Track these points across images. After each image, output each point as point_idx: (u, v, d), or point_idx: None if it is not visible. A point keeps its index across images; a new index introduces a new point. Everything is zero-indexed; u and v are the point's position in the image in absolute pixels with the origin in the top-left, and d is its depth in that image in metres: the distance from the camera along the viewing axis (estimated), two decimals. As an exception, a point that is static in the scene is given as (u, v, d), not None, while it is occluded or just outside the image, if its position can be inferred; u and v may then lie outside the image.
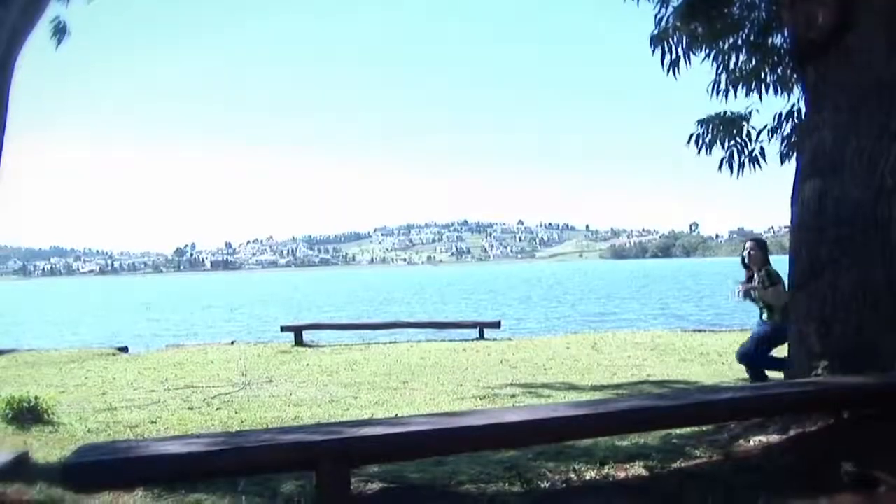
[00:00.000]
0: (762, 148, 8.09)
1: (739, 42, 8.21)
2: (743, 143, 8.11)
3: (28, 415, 7.46)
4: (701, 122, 8.18)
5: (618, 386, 9.67)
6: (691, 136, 8.19)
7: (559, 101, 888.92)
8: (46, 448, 6.40)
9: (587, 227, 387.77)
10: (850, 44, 5.51)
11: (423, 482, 4.90)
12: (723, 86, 8.35)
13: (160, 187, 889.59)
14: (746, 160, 8.07)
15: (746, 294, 8.02)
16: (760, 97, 8.26)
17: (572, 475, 5.01)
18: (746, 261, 8.19)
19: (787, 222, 6.31)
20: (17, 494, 4.79)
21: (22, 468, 4.77)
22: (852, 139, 5.45)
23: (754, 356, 7.95)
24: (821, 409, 5.30)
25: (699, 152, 8.20)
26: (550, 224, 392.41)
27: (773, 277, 7.82)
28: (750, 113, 8.18)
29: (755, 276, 8.00)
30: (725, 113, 8.20)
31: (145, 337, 28.53)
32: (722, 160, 8.14)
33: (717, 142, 8.13)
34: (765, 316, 7.99)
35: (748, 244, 8.34)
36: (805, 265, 5.65)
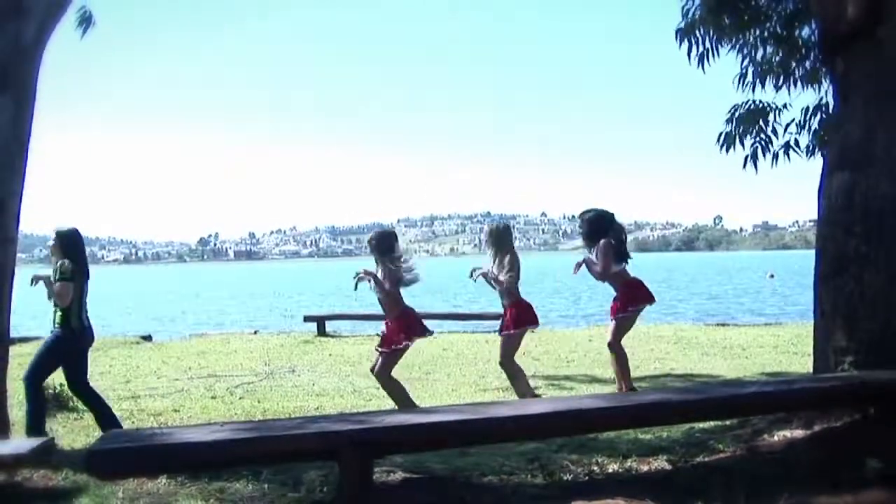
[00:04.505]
0: (796, 139, 8.03)
1: (766, 34, 8.14)
2: (768, 139, 8.04)
3: (53, 402, 7.53)
4: (729, 121, 8.12)
5: (641, 379, 9.62)
6: (720, 134, 8.13)
7: (583, 94, 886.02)
8: (71, 435, 6.46)
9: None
10: (880, 36, 5.44)
11: (446, 473, 4.91)
12: (749, 78, 8.30)
13: (184, 177, 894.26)
14: (781, 152, 8.01)
15: (35, 281, 6.60)
16: (789, 91, 8.20)
17: (595, 468, 5.00)
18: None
19: (812, 216, 6.27)
20: (43, 480, 4.84)
21: (47, 455, 4.80)
22: (881, 132, 5.39)
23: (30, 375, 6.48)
24: (846, 405, 5.26)
25: (721, 150, 8.15)
26: (574, 216, 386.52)
27: (64, 273, 6.32)
28: (784, 105, 8.10)
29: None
30: (752, 101, 8.13)
31: (168, 325, 28.67)
32: (746, 158, 8.07)
33: (739, 139, 8.07)
34: (56, 318, 6.45)
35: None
36: (832, 259, 5.60)
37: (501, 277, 7.57)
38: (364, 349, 13.47)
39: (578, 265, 8.00)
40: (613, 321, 8.01)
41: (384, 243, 7.50)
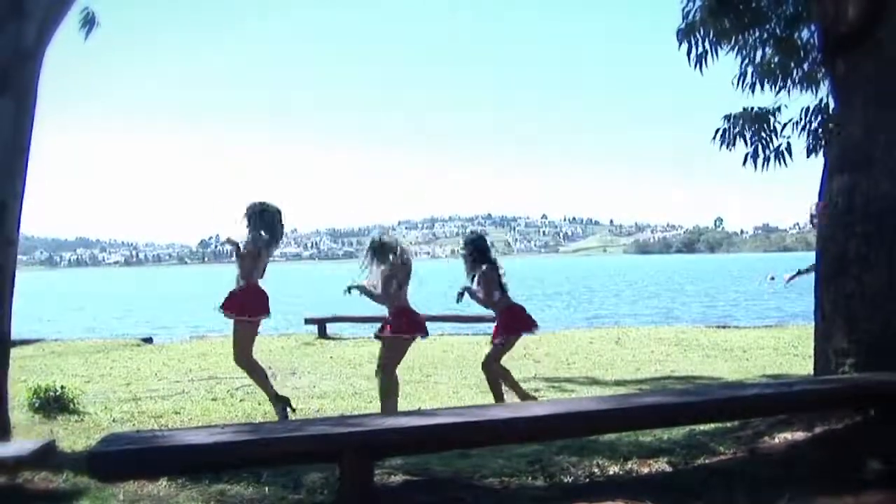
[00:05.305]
0: (789, 143, 8.01)
1: (766, 36, 8.14)
2: (768, 139, 8.03)
3: (54, 404, 7.52)
4: (727, 118, 8.11)
5: (641, 381, 9.63)
6: (717, 130, 8.13)
7: (583, 94, 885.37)
8: (72, 437, 6.45)
9: (611, 221, 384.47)
10: (880, 37, 5.45)
11: (447, 475, 4.90)
12: (749, 79, 8.29)
13: (185, 178, 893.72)
14: (772, 156, 7.99)
15: None
16: (789, 92, 8.18)
17: (595, 470, 5.00)
18: None
19: (814, 218, 6.25)
20: (44, 483, 4.83)
21: (48, 457, 4.80)
22: (882, 134, 5.40)
23: None
24: (847, 407, 5.26)
25: (721, 147, 8.14)
26: (574, 218, 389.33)
27: None
28: (778, 108, 8.09)
29: None
30: (752, 108, 8.12)
31: (169, 327, 28.67)
32: (746, 155, 8.06)
33: (740, 137, 8.06)
34: None
35: None
36: (832, 260, 5.60)
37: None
38: (365, 351, 13.46)
39: (461, 294, 8.00)
40: (492, 346, 7.90)
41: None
